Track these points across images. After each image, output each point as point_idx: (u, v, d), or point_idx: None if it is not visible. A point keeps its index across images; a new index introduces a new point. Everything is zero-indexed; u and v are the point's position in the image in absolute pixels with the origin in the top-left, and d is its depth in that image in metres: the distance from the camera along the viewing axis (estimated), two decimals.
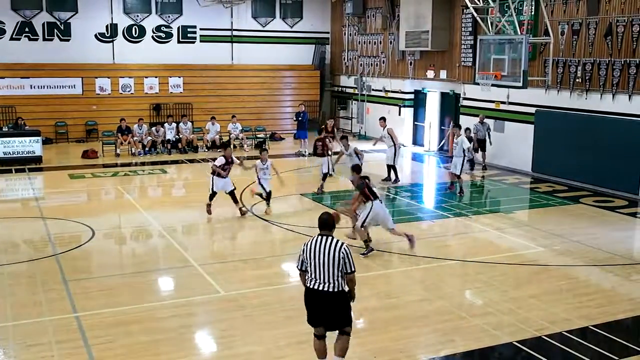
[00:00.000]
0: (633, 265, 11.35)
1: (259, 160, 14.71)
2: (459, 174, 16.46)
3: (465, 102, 22.12)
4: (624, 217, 14.79)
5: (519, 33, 18.14)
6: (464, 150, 16.33)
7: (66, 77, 25.17)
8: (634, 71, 16.31)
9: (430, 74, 23.89)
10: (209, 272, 10.71)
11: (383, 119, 18.86)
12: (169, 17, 26.94)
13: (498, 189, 17.93)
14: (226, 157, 14.43)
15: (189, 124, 24.12)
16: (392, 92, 26.00)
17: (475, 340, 8.26)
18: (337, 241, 6.95)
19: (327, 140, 17.91)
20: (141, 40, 26.61)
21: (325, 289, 6.87)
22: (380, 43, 26.71)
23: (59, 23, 25.28)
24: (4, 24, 24.55)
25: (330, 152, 17.59)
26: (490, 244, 12.70)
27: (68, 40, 25.47)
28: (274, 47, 28.89)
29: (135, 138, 22.59)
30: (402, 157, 18.51)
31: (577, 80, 17.86)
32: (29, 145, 20.54)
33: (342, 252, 6.83)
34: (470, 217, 14.55)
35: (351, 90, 28.59)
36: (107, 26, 26.01)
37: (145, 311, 9.11)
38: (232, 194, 14.42)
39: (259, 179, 14.71)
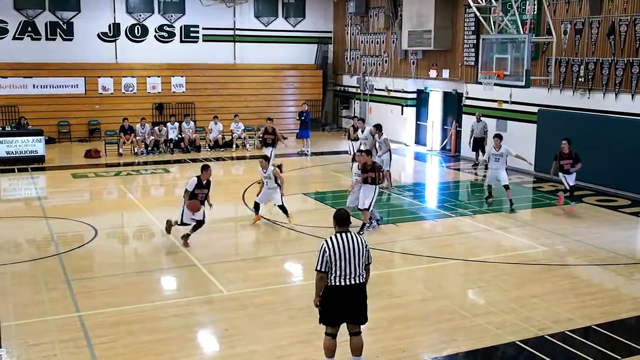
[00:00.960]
0: (636, 265, 11.33)
1: (259, 168, 13.83)
2: (508, 184, 15.23)
3: (467, 102, 22.10)
4: (627, 217, 14.76)
5: (522, 32, 18.09)
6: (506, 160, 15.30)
7: (69, 76, 25.18)
8: (637, 70, 16.28)
9: (432, 73, 23.86)
10: (212, 271, 10.72)
11: (362, 120, 19.44)
12: (171, 16, 26.96)
13: (500, 188, 17.87)
14: (200, 179, 11.90)
15: (192, 123, 24.14)
16: (395, 91, 25.98)
17: (478, 339, 8.25)
18: (357, 235, 7.17)
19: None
20: (144, 40, 26.62)
21: (357, 281, 7.06)
22: (383, 42, 26.69)
23: (61, 23, 25.30)
24: (7, 23, 24.57)
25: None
26: (492, 243, 12.69)
27: (71, 39, 25.50)
28: (276, 46, 28.88)
29: (137, 137, 22.61)
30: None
31: (580, 79, 17.83)
32: (32, 145, 20.57)
33: (366, 244, 7.16)
34: (472, 217, 14.54)
35: (354, 90, 28.58)
36: (109, 26, 26.03)
37: (147, 310, 9.11)
38: (199, 225, 12.09)
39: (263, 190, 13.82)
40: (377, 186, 13.10)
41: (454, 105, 23.49)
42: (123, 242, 13.16)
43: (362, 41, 28.04)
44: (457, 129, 22.82)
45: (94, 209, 15.46)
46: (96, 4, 25.68)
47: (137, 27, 26.48)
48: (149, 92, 26.39)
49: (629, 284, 10.49)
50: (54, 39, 25.25)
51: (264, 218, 14.06)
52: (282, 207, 13.45)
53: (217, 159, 21.93)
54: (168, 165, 20.85)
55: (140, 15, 26.47)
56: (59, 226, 13.47)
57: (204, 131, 24.33)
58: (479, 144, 20.51)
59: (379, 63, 27.04)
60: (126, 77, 26.04)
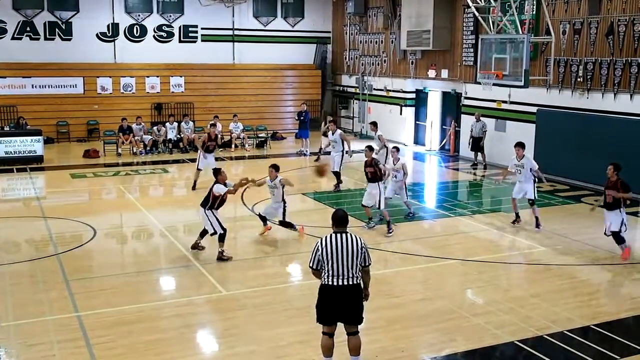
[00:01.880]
0: (634, 265, 11.34)
1: (267, 177, 13.06)
2: (534, 198, 13.51)
3: (466, 102, 22.11)
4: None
5: (521, 32, 18.12)
6: (531, 171, 13.41)
7: (67, 76, 25.17)
8: (636, 70, 16.29)
9: (431, 73, 23.87)
10: (211, 271, 10.73)
11: (333, 121, 18.90)
12: (170, 16, 26.94)
13: (499, 189, 17.89)
14: (220, 183, 11.56)
15: (191, 123, 24.14)
16: (394, 91, 25.99)
17: (477, 339, 8.26)
18: (355, 236, 7.11)
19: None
20: (142, 40, 26.61)
21: (349, 282, 7.00)
22: (382, 42, 26.70)
23: (60, 22, 25.29)
24: (5, 23, 24.55)
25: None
26: (491, 243, 12.70)
27: (69, 39, 25.48)
28: (275, 46, 28.88)
29: (136, 137, 22.61)
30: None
31: (579, 79, 17.85)
32: (31, 145, 20.55)
33: (363, 246, 7.06)
34: (471, 217, 14.55)
35: (353, 90, 28.59)
36: (108, 26, 26.02)
37: (146, 311, 9.12)
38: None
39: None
40: (381, 182, 13.33)
41: (452, 105, 23.49)
42: (122, 242, 13.16)
43: (360, 41, 28.05)
44: (456, 128, 22.83)
45: (92, 209, 15.46)
46: (95, 4, 25.67)
47: (136, 27, 26.47)
48: (147, 92, 26.37)
49: (627, 284, 10.50)
50: (53, 39, 25.23)
51: (265, 218, 14.02)
52: (285, 223, 12.76)
53: (216, 159, 21.87)
54: (167, 165, 20.84)
55: (139, 15, 26.46)
56: (58, 226, 13.47)
57: (203, 131, 24.30)
58: (477, 144, 20.55)
59: (378, 63, 27.04)
60: (125, 77, 26.02)
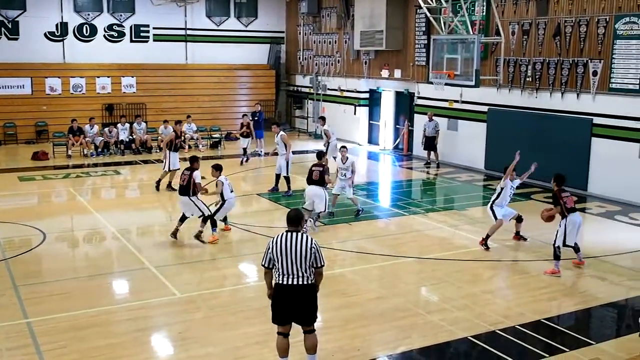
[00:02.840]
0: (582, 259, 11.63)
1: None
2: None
3: (419, 101, 22.36)
4: None
5: (471, 33, 18.41)
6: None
7: (15, 76, 24.51)
8: (582, 70, 16.73)
9: (385, 73, 24.07)
10: (165, 274, 10.60)
11: (276, 124, 18.18)
12: (121, 15, 26.52)
13: (452, 187, 18.17)
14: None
15: (143, 124, 23.80)
16: (348, 91, 26.11)
17: (432, 336, 8.36)
18: (307, 236, 7.05)
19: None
20: (93, 40, 26.13)
21: (298, 282, 6.95)
22: (335, 42, 26.80)
23: (6, 21, 24.63)
24: None
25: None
26: (445, 240, 12.86)
27: (16, 39, 24.85)
28: (228, 46, 28.71)
29: (87, 139, 22.19)
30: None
31: (528, 79, 18.23)
32: None
33: (313, 247, 6.95)
34: (425, 215, 14.72)
35: (307, 90, 28.61)
36: (57, 25, 25.47)
37: (99, 315, 8.95)
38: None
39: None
40: (325, 187, 13.16)
41: (406, 105, 23.72)
42: (73, 246, 12.88)
43: (314, 41, 28.10)
44: (409, 128, 23.06)
45: (42, 213, 15.10)
46: (43, 3, 25.09)
47: (86, 27, 25.97)
48: (98, 93, 25.90)
49: (576, 278, 10.77)
50: None
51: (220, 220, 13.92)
52: (210, 219, 12.37)
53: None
54: (119, 167, 20.51)
55: (88, 15, 25.97)
56: (6, 231, 13.10)
57: (155, 132, 24.01)
58: (430, 143, 20.82)
59: (332, 63, 27.14)
60: (75, 77, 25.49)
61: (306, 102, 28.83)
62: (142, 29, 26.98)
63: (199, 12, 28.09)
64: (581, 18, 16.71)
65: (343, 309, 9.25)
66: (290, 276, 6.96)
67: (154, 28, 27.20)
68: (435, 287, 10.35)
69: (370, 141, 25.50)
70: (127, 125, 23.44)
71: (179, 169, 16.11)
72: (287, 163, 16.47)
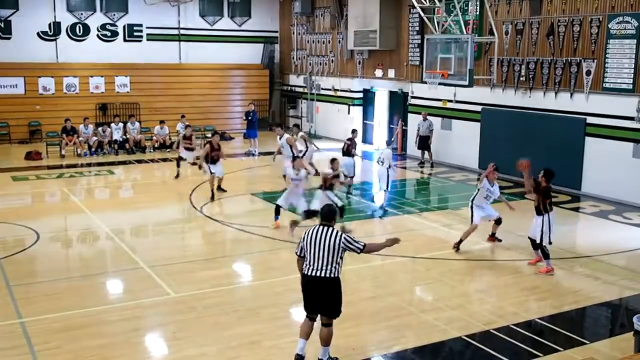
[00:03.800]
0: (576, 259, 11.69)
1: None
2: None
3: (413, 101, 22.38)
4: (568, 212, 15.21)
5: (465, 33, 18.45)
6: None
7: (7, 76, 24.42)
8: (575, 70, 16.78)
9: (378, 73, 24.08)
10: (159, 274, 10.57)
11: (279, 126, 17.76)
12: (114, 15, 26.45)
13: (446, 186, 18.20)
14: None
15: (137, 124, 23.74)
16: (341, 91, 26.12)
17: (426, 335, 8.37)
18: (337, 231, 7.28)
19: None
20: (86, 39, 26.05)
21: (321, 274, 7.17)
22: (329, 42, 26.80)
23: None
24: None
25: None
26: (439, 240, 12.88)
27: (9, 38, 24.75)
28: (222, 46, 28.66)
29: (80, 139, 22.12)
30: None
31: (521, 78, 18.27)
32: None
33: (344, 240, 7.20)
34: (419, 214, 14.73)
35: (300, 90, 28.60)
36: (50, 24, 25.37)
37: (93, 315, 8.92)
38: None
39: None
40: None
41: (399, 105, 23.74)
42: (66, 245, 12.83)
43: (308, 41, 28.09)
44: (403, 127, 23.07)
45: (35, 213, 15.04)
46: (35, 2, 24.99)
47: (79, 26, 25.89)
48: (92, 93, 25.82)
49: (570, 278, 10.80)
50: None
51: (213, 219, 13.92)
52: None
53: (164, 160, 21.64)
54: (112, 166, 20.44)
55: (81, 14, 25.89)
56: None
57: (149, 132, 23.96)
58: (424, 143, 20.85)
59: (326, 63, 27.13)
60: (68, 77, 25.42)
61: (300, 101, 28.81)
62: (135, 28, 26.91)
63: (192, 11, 28.04)
64: (574, 18, 16.75)
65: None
66: (313, 268, 7.20)
67: (147, 27, 27.13)
68: (429, 286, 10.36)
69: (364, 141, 25.46)
70: (121, 124, 23.38)
71: (214, 174, 15.83)
72: None
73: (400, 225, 14.04)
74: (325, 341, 7.39)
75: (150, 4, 26.37)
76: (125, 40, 26.77)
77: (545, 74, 17.59)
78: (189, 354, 7.81)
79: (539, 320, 8.88)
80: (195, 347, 7.98)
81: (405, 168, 21.02)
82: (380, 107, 24.94)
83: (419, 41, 21.59)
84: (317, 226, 7.35)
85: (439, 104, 21.13)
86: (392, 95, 24.26)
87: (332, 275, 7.20)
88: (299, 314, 9.22)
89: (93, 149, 22.27)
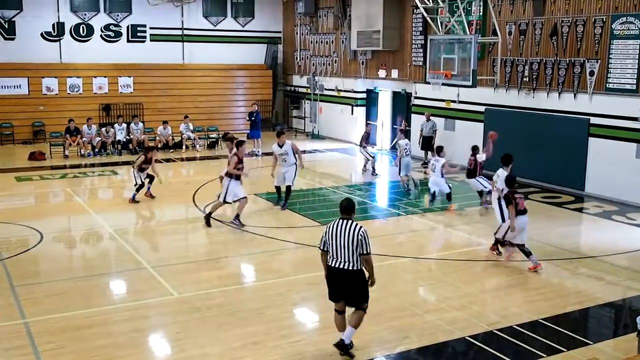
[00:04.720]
0: (580, 260, 11.66)
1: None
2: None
3: (416, 101, 22.37)
4: (571, 213, 15.20)
5: (468, 33, 18.44)
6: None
7: (11, 76, 24.48)
8: (579, 70, 16.75)
9: (382, 73, 24.07)
10: (162, 274, 10.58)
11: (282, 132, 15.77)
12: (117, 15, 26.49)
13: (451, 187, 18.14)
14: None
15: (140, 124, 23.78)
16: (345, 91, 26.12)
17: (430, 336, 8.36)
18: (356, 225, 7.48)
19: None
20: (89, 39, 26.10)
21: (345, 267, 7.42)
22: (332, 42, 26.80)
23: (3, 21, 24.60)
24: None
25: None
26: (442, 241, 12.87)
27: (13, 39, 24.81)
28: (225, 46, 28.69)
29: (84, 139, 22.16)
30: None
31: (525, 79, 18.25)
32: None
33: (360, 235, 7.38)
34: (422, 215, 14.72)
35: (304, 90, 28.61)
36: (53, 25, 25.43)
37: (96, 315, 8.93)
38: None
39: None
40: None
41: (403, 105, 23.73)
42: (70, 246, 12.85)
43: (311, 41, 28.10)
44: (407, 128, 23.05)
45: (39, 213, 15.08)
46: (39, 3, 25.05)
47: (82, 27, 25.94)
48: (95, 93, 25.87)
49: (573, 278, 10.78)
50: None
51: (217, 220, 13.92)
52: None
53: (167, 160, 21.67)
54: (116, 167, 20.47)
55: (85, 14, 25.93)
56: (3, 231, 13.08)
57: (152, 132, 23.99)
58: (427, 143, 20.84)
59: (329, 63, 27.13)
60: (71, 77, 25.46)
61: (303, 102, 28.82)
62: (139, 29, 26.96)
63: (195, 12, 28.06)
64: (578, 18, 16.73)
65: None
66: (338, 260, 7.44)
67: (150, 28, 27.17)
68: (432, 287, 10.35)
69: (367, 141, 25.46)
70: (124, 125, 23.43)
71: (228, 202, 13.64)
72: (295, 173, 15.09)
73: (404, 225, 14.03)
74: (355, 322, 7.63)
75: (154, 5, 26.42)
76: (128, 40, 26.82)
77: (548, 74, 17.57)
78: (192, 354, 7.81)
79: (542, 321, 8.86)
80: (198, 347, 7.99)
81: None
82: (384, 107, 24.93)
83: (422, 41, 21.58)
84: (338, 220, 7.54)
85: (443, 104, 21.11)
86: (396, 95, 24.25)
87: (356, 268, 7.43)
88: (302, 314, 9.26)
89: (96, 150, 22.31)
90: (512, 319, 8.91)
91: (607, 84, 16.11)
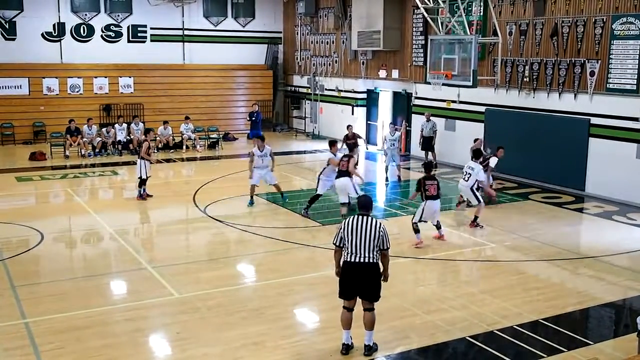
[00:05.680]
0: (580, 260, 11.66)
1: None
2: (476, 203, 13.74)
3: (417, 102, 22.37)
4: (571, 213, 15.19)
5: (469, 33, 18.43)
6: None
7: (12, 77, 24.50)
8: (579, 70, 16.75)
9: (382, 73, 24.07)
10: (163, 274, 10.59)
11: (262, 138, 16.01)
12: (118, 16, 26.50)
13: (449, 187, 18.14)
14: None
15: (141, 124, 23.78)
16: (345, 91, 26.12)
17: (430, 336, 8.37)
18: (376, 220, 7.70)
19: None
20: (90, 40, 26.11)
21: (365, 260, 7.57)
22: (333, 43, 26.80)
23: (3, 22, 24.61)
24: None
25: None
26: (442, 241, 12.85)
27: (13, 39, 24.83)
28: (226, 46, 28.70)
29: (84, 139, 22.17)
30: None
31: (525, 79, 18.25)
32: None
33: (381, 230, 7.62)
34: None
35: (304, 90, 28.61)
36: (54, 25, 25.44)
37: (97, 315, 8.94)
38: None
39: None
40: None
41: (403, 105, 23.74)
42: (70, 246, 12.86)
43: (312, 41, 28.10)
44: (407, 128, 23.07)
45: (39, 213, 15.08)
46: (40, 3, 25.06)
47: (83, 27, 25.95)
48: (96, 93, 25.88)
49: (573, 279, 10.79)
50: None
51: (217, 220, 13.93)
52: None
53: (167, 160, 21.68)
54: (116, 167, 20.48)
55: (85, 15, 25.94)
56: (3, 231, 13.09)
57: (152, 132, 23.93)
58: (428, 143, 20.84)
59: (329, 63, 27.14)
60: (72, 77, 25.47)
61: (304, 102, 28.82)
62: (139, 29, 26.96)
63: (196, 12, 28.07)
64: (578, 18, 16.73)
65: (340, 309, 9.22)
66: (358, 255, 7.56)
67: (151, 28, 27.18)
68: (432, 287, 10.35)
69: (368, 141, 25.46)
70: (125, 125, 23.44)
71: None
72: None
73: (404, 225, 14.01)
74: (370, 325, 7.73)
75: (155, 5, 26.43)
76: (129, 41, 26.83)
77: (549, 74, 17.56)
78: (192, 355, 7.82)
79: (543, 321, 8.86)
80: (199, 347, 7.99)
81: (408, 169, 20.99)
82: (384, 107, 24.93)
83: (423, 42, 21.58)
84: (356, 216, 7.70)
85: (443, 104, 21.11)
86: (396, 95, 24.25)
87: (375, 261, 7.61)
88: (302, 314, 9.26)
89: (97, 150, 22.32)
90: (513, 319, 8.91)
91: (608, 84, 16.11)
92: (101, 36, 26.32)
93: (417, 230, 12.27)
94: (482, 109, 19.62)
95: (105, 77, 26.03)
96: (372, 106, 25.58)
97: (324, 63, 27.44)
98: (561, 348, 8.04)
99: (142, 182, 15.61)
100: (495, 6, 18.70)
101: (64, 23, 25.58)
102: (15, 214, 14.48)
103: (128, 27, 26.75)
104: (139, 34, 26.99)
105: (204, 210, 14.74)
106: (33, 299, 9.53)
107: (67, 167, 20.50)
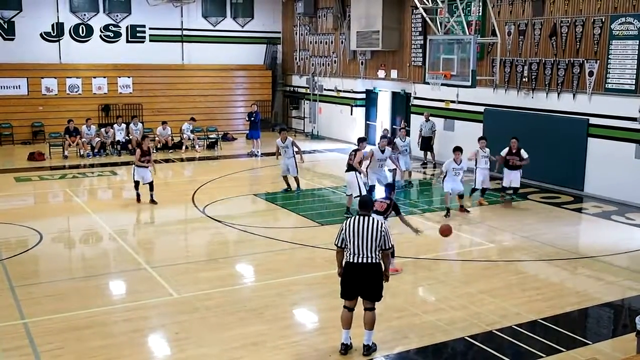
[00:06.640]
0: (579, 260, 11.68)
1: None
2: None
3: (415, 102, 22.38)
4: (570, 213, 15.20)
5: (467, 33, 18.44)
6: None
7: (11, 77, 24.49)
8: (578, 70, 16.76)
9: (381, 73, 24.08)
10: (162, 274, 10.58)
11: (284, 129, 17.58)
12: (117, 16, 26.50)
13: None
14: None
15: (140, 124, 23.78)
16: (344, 91, 26.12)
17: (429, 336, 8.37)
18: (377, 220, 7.71)
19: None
20: (89, 40, 26.10)
21: (367, 261, 7.57)
22: (332, 43, 26.80)
23: (2, 22, 24.60)
24: None
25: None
26: (441, 240, 12.84)
27: (12, 39, 24.82)
28: (225, 46, 28.69)
29: (83, 139, 22.16)
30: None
31: (524, 79, 18.26)
32: None
33: (383, 230, 7.61)
34: (421, 215, 14.72)
35: (303, 90, 28.61)
36: (53, 25, 25.43)
37: (96, 316, 8.94)
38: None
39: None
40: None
41: (402, 105, 23.74)
42: (69, 246, 12.86)
43: (311, 42, 28.10)
44: (406, 128, 23.03)
45: (38, 213, 15.08)
46: (39, 3, 25.04)
47: (82, 27, 25.94)
48: (94, 93, 25.88)
49: (572, 279, 10.80)
50: None
51: (216, 220, 13.93)
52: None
53: (167, 161, 21.67)
54: (115, 167, 20.47)
55: (84, 15, 25.94)
56: (2, 231, 13.08)
57: (151, 132, 23.98)
58: (426, 143, 20.86)
59: (328, 63, 27.14)
60: (71, 77, 25.47)
61: (303, 102, 28.82)
62: (138, 29, 26.96)
63: (195, 12, 28.06)
64: (577, 18, 16.74)
65: (340, 309, 9.22)
66: (360, 255, 7.57)
67: (150, 28, 27.17)
68: (431, 287, 10.36)
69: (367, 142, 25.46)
70: (124, 125, 23.43)
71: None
72: (296, 164, 16.70)
73: (402, 225, 13.99)
74: (370, 325, 7.74)
75: (153, 5, 26.42)
76: (128, 41, 26.82)
77: (547, 74, 17.58)
78: (191, 355, 7.82)
79: (541, 321, 8.86)
80: (198, 347, 7.99)
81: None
82: (383, 107, 24.94)
83: (422, 42, 21.58)
84: (357, 217, 7.68)
85: (442, 104, 21.12)
86: (395, 96, 24.26)
87: (377, 261, 7.61)
88: (301, 315, 9.26)
89: (96, 150, 22.31)
90: (511, 319, 8.91)
91: (606, 84, 16.12)
92: (100, 36, 26.31)
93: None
94: (481, 109, 19.63)
95: (104, 77, 26.02)
96: (370, 106, 25.58)
97: (323, 63, 27.44)
98: (560, 348, 8.05)
99: (150, 187, 15.44)
100: (494, 6, 18.71)
101: (62, 23, 25.57)
102: (14, 214, 14.47)
103: (127, 27, 26.74)
104: (137, 34, 26.98)
105: (203, 210, 14.74)
106: (32, 299, 9.52)
107: (65, 167, 20.49)
